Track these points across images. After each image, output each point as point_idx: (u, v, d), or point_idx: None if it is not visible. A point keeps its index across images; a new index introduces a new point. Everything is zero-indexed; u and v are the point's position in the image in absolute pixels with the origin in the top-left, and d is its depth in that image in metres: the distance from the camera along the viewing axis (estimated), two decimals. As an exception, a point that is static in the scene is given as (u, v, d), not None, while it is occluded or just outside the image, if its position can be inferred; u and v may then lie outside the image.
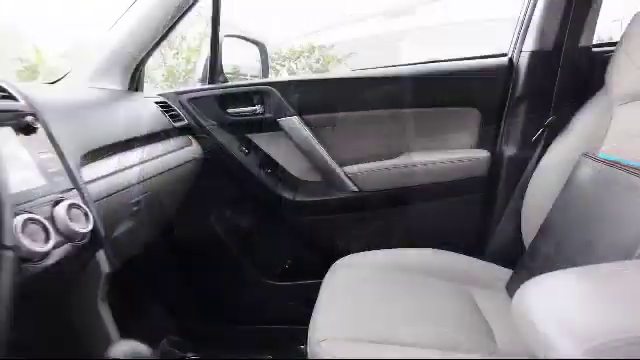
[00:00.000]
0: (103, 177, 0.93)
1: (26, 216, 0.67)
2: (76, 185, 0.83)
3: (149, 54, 1.31)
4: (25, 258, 0.66)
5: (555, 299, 0.54)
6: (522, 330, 0.54)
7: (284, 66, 17.58)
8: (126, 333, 0.89)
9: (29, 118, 0.81)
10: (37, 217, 0.70)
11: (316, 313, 0.95)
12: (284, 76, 1.47)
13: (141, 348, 0.81)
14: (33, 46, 3.38)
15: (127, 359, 0.79)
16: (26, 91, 0.87)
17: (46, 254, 0.69)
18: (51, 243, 0.70)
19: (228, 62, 1.48)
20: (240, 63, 1.61)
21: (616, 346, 0.46)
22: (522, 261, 1.03)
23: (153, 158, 1.17)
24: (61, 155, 0.83)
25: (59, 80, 1.31)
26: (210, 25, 1.42)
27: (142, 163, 1.11)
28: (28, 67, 3.40)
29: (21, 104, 0.84)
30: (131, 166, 1.06)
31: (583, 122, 1.10)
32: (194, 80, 1.53)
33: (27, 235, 0.66)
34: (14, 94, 0.85)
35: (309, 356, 0.87)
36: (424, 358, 0.81)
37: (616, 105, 1.03)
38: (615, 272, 0.61)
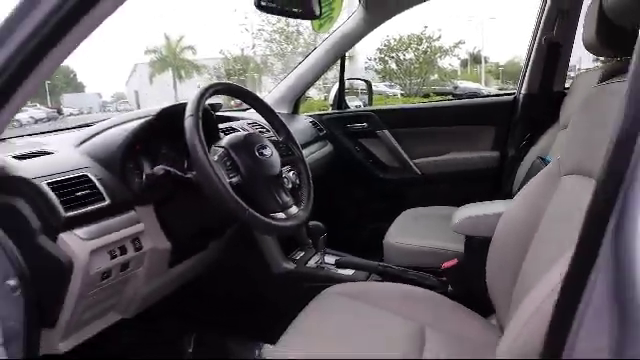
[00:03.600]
0: None
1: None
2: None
3: (308, 89, 2.38)
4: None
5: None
6: None
7: (392, 58, 18.02)
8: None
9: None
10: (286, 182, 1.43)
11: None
12: (379, 106, 2.39)
13: None
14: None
15: None
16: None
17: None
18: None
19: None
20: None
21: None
22: None
23: (310, 152, 2.20)
24: None
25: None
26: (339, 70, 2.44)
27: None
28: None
29: None
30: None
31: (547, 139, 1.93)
32: (328, 107, 2.60)
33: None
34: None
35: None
36: None
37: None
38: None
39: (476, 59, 29.34)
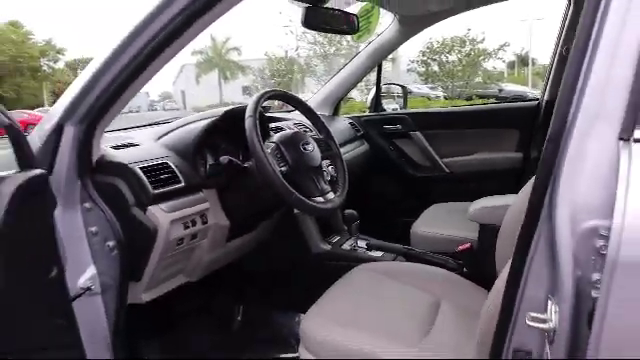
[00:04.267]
0: None
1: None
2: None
3: (347, 94, 2.62)
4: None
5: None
6: None
7: (435, 60, 17.98)
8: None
9: None
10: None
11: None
12: (412, 109, 2.63)
13: None
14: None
15: None
16: None
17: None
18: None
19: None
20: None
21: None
22: None
23: (349, 150, 2.43)
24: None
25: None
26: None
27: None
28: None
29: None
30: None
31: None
32: (366, 109, 2.84)
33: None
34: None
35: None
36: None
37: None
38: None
39: (524, 61, 28.80)
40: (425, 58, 16.52)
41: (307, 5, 1.60)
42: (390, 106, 3.04)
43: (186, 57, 32.63)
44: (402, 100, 2.81)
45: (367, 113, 2.73)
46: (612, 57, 0.66)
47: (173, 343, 1.67)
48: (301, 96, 2.55)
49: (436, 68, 16.48)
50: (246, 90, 33.11)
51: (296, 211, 1.78)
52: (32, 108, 24.13)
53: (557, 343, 0.65)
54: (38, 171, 1.02)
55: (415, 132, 2.54)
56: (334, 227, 2.01)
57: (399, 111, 2.75)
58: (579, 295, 0.62)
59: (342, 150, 2.14)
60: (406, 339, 1.14)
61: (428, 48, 16.33)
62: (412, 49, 17.06)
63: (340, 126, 2.45)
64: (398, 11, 2.16)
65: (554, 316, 0.65)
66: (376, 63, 2.47)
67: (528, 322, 0.68)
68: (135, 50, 1.07)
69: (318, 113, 1.67)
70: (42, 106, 23.77)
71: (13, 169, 1.01)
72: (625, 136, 0.61)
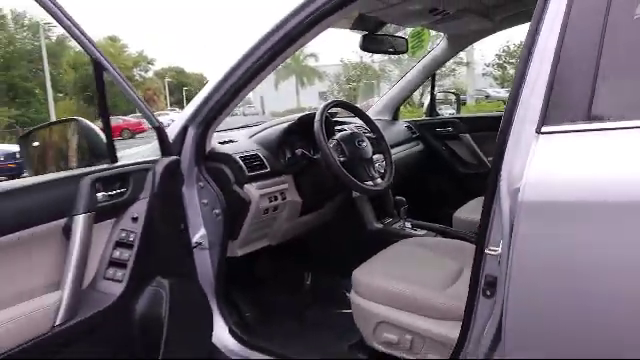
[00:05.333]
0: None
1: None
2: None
3: (405, 100, 3.03)
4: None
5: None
6: None
7: (512, 64, 17.61)
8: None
9: None
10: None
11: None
12: (462, 114, 3.00)
13: None
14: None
15: None
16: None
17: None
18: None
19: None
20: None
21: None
22: None
23: (405, 149, 2.83)
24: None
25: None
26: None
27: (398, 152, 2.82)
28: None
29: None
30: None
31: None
32: (422, 114, 3.23)
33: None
34: None
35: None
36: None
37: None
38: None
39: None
40: (501, 62, 16.32)
41: (364, 33, 2.04)
42: (447, 111, 3.41)
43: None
44: (456, 106, 3.18)
45: (423, 117, 3.13)
46: (540, 63, 0.96)
47: (257, 292, 2.16)
48: (376, 99, 2.97)
49: (513, 72, 16.22)
50: (322, 95, 33.85)
51: (354, 195, 2.22)
52: (125, 114, 26.38)
53: (502, 264, 1.04)
54: (175, 157, 1.53)
55: (465, 134, 2.90)
56: (387, 211, 2.42)
57: (450, 116, 3.11)
58: (511, 230, 1.01)
59: (399, 149, 2.59)
60: (434, 288, 1.49)
61: (504, 51, 16.13)
62: (488, 53, 16.90)
63: (398, 129, 2.87)
64: (445, 31, 2.54)
65: (500, 247, 1.03)
66: (429, 74, 2.85)
67: (488, 252, 1.07)
68: (248, 64, 1.51)
69: (380, 118, 2.10)
70: (134, 112, 25.82)
71: (156, 156, 1.51)
72: (538, 130, 0.99)
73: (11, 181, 1.24)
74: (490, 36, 2.51)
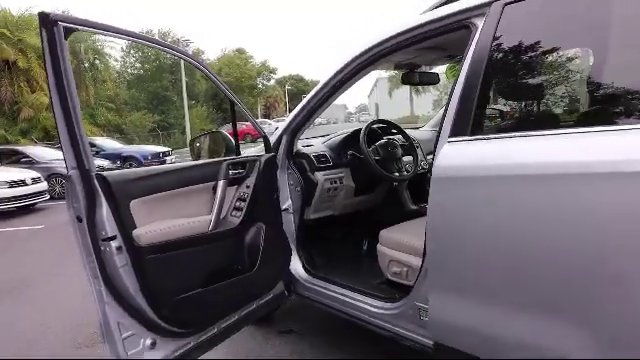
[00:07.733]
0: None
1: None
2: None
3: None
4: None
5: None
6: None
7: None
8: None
9: None
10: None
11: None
12: None
13: None
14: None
15: None
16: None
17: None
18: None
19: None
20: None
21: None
22: None
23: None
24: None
25: (423, 127, 4.03)
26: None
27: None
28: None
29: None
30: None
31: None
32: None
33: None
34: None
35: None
36: None
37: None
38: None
39: None
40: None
41: (405, 71, 2.97)
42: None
43: (380, 72, 34.73)
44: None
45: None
46: (455, 97, 1.88)
47: (324, 247, 3.13)
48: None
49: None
50: (436, 103, 33.91)
51: (394, 185, 3.14)
52: (247, 120, 28.72)
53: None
54: (272, 154, 2.59)
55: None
56: (422, 198, 3.30)
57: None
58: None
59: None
60: (419, 237, 1.93)
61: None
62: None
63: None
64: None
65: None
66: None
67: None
68: (320, 95, 2.55)
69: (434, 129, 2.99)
70: (257, 118, 28.18)
71: (262, 152, 2.59)
72: (449, 139, 1.86)
73: (195, 161, 2.40)
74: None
